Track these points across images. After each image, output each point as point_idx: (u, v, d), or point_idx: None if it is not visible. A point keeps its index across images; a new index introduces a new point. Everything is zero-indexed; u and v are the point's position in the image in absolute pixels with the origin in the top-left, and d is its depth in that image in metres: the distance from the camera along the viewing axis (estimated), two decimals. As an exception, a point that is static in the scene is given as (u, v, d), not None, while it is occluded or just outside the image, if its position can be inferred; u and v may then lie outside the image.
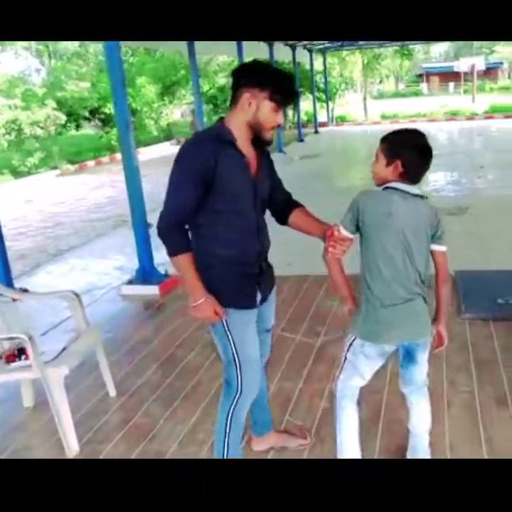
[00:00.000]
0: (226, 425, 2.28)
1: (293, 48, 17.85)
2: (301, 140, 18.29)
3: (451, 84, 38.94)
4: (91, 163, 17.96)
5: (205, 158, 2.03)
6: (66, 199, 11.91)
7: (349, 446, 2.40)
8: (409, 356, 2.33)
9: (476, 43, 38.68)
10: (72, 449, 2.83)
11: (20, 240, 8.12)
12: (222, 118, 2.19)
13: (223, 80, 20.98)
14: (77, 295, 3.25)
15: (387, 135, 2.20)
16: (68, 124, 20.32)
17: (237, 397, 2.25)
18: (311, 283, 4.88)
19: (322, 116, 22.68)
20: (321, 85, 23.33)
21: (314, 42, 17.97)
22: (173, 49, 15.20)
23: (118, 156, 15.62)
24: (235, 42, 12.74)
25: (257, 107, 2.07)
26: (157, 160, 15.50)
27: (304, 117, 21.81)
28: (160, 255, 4.63)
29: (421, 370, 2.35)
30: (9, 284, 4.57)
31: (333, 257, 2.26)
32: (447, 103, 25.72)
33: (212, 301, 2.14)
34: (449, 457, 2.59)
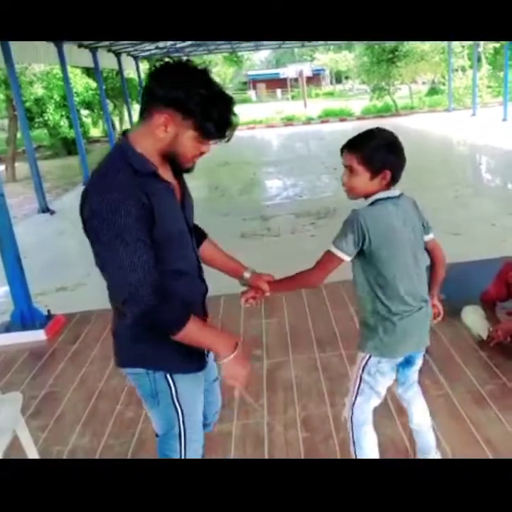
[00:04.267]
0: None
1: (117, 55, 17.51)
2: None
3: (279, 91, 41.28)
4: None
5: (137, 198, 1.61)
6: None
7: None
8: (409, 361, 2.34)
9: (297, 50, 41.41)
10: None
11: None
12: (125, 132, 1.76)
13: (41, 91, 19.81)
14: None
15: (359, 142, 2.04)
16: None
17: None
18: (228, 303, 4.67)
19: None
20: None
21: (138, 48, 17.83)
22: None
23: None
24: (55, 48, 12.10)
25: (176, 135, 1.67)
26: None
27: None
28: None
29: (416, 369, 2.40)
30: None
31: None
32: (283, 109, 27.13)
33: (244, 353, 1.81)
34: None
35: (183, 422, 1.93)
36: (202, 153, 1.76)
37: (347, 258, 2.05)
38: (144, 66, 22.88)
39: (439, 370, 3.39)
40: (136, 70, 20.51)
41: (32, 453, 2.82)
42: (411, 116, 23.15)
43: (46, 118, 19.71)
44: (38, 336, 4.37)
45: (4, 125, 19.43)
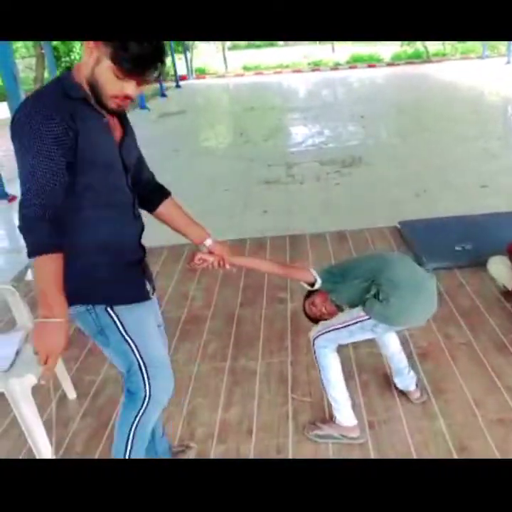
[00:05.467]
0: (128, 441, 2.02)
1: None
2: (163, 95, 17.77)
3: (306, 35, 40.08)
4: None
5: (61, 117, 1.62)
6: None
7: (339, 379, 2.53)
8: None
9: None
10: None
11: None
12: (69, 68, 1.76)
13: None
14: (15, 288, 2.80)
15: (305, 300, 2.60)
16: None
17: (144, 406, 1.98)
18: (251, 247, 4.70)
19: (180, 69, 22.13)
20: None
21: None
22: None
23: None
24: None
25: (97, 61, 1.64)
26: None
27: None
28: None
29: None
30: None
31: None
32: (310, 53, 26.39)
33: (68, 328, 1.68)
34: (477, 413, 2.64)
35: (140, 355, 1.91)
36: (127, 97, 1.71)
37: (318, 280, 2.41)
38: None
39: (462, 318, 3.41)
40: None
41: (65, 380, 2.94)
42: (442, 64, 22.39)
43: (73, 57, 19.51)
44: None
45: (32, 64, 19.26)
